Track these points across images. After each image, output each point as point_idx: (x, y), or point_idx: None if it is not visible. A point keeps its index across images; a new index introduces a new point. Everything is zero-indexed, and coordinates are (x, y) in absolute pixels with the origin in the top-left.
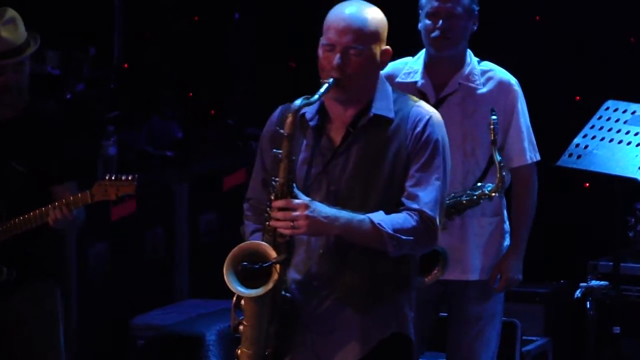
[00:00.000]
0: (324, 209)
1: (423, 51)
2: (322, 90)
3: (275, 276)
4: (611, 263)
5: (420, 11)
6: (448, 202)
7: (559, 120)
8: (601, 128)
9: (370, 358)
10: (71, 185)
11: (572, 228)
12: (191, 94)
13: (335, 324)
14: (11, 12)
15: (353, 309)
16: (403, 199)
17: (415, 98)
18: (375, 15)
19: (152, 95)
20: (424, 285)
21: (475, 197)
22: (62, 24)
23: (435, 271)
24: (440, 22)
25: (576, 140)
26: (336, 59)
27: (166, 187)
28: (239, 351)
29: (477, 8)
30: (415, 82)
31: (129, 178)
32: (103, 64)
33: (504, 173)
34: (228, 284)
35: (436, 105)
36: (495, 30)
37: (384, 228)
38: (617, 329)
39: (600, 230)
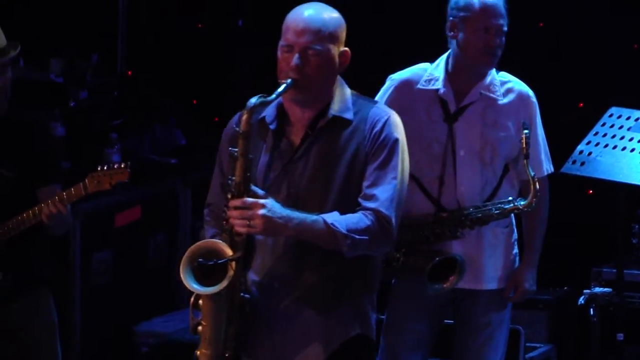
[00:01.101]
0: (279, 209)
1: (443, 58)
2: (279, 90)
3: (231, 273)
4: (615, 270)
5: (456, 21)
6: (477, 214)
7: (563, 127)
8: (605, 135)
9: (333, 359)
10: (56, 187)
11: (575, 235)
12: (195, 101)
13: (297, 325)
14: None
15: (314, 309)
16: (359, 199)
17: (374, 100)
18: (333, 17)
19: (155, 103)
20: (442, 292)
21: (506, 210)
22: (65, 32)
23: (452, 278)
24: (496, 39)
25: (580, 147)
26: (294, 59)
27: (170, 194)
28: (198, 352)
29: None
30: (437, 90)
31: (122, 165)
32: (106, 72)
33: (538, 187)
34: (184, 282)
35: (457, 114)
36: None
37: (337, 228)
38: (620, 336)
39: (604, 237)
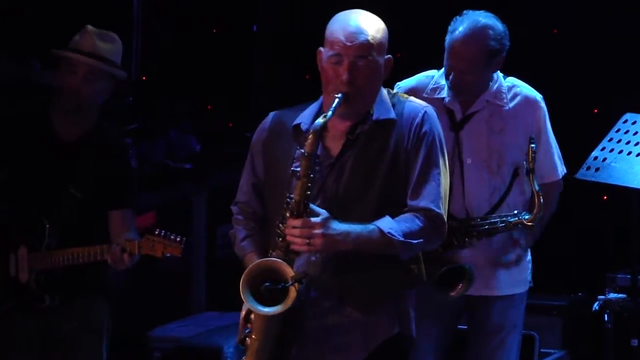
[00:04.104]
0: (337, 226)
1: None
2: (334, 105)
3: (294, 294)
4: (629, 276)
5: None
6: (483, 226)
7: (577, 133)
8: (619, 141)
9: (373, 358)
10: (128, 212)
11: (590, 240)
12: (209, 106)
13: (338, 325)
14: (114, 35)
15: (356, 309)
16: (408, 200)
17: (405, 95)
18: (379, 26)
19: (170, 108)
20: (449, 300)
21: (511, 223)
22: None
23: (460, 286)
24: (455, 78)
25: (594, 153)
26: (346, 73)
27: (184, 200)
28: None
29: (500, 51)
30: (443, 99)
31: (177, 239)
32: None
33: (541, 200)
34: (246, 303)
35: (463, 122)
36: (512, 43)
37: (394, 236)
38: (634, 342)
39: (619, 242)
